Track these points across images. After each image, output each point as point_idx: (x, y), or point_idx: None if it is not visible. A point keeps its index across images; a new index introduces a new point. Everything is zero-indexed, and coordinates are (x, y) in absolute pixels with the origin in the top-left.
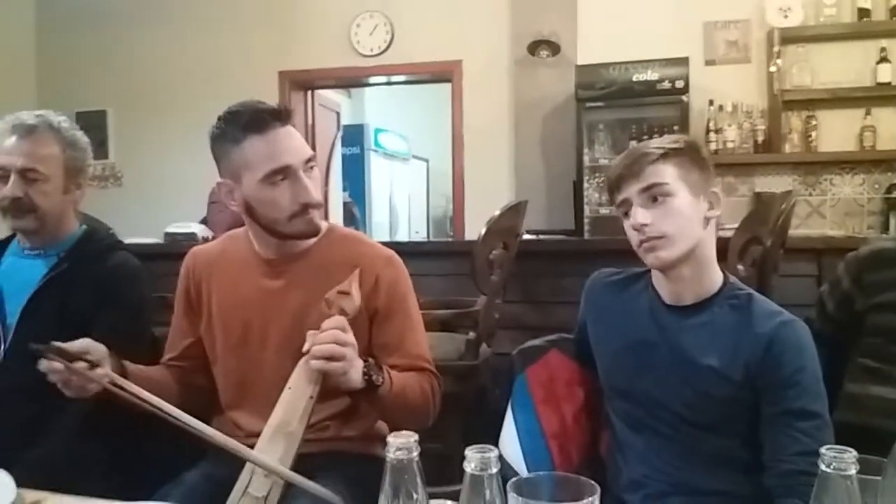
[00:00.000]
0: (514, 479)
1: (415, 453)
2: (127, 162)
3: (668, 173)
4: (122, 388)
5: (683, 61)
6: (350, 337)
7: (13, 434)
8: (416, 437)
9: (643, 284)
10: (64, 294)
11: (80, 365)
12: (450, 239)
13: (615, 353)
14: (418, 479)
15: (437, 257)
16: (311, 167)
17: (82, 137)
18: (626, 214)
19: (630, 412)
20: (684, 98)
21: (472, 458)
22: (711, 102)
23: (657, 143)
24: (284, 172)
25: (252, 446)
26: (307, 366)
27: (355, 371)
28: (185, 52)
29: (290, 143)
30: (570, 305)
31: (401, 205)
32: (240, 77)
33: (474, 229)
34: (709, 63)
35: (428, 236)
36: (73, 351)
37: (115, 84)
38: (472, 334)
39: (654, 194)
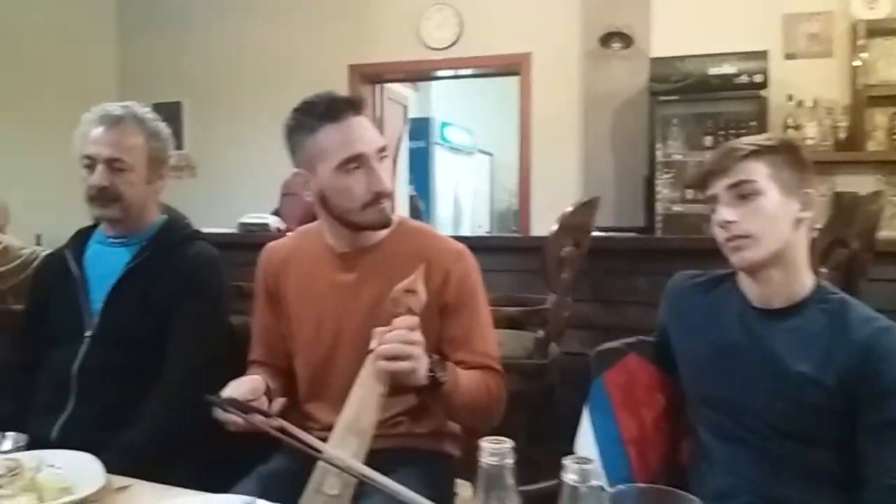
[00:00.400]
0: (612, 491)
1: (509, 460)
2: (201, 153)
3: (758, 171)
4: (287, 433)
5: (762, 55)
6: (418, 335)
7: (99, 419)
8: (510, 443)
9: (729, 286)
10: (146, 282)
11: (258, 418)
12: (514, 234)
13: (700, 358)
14: (511, 487)
15: (503, 253)
16: (383, 157)
17: (165, 128)
18: (714, 211)
19: (715, 420)
20: (762, 93)
21: (572, 468)
22: (791, 98)
23: (750, 140)
24: (358, 160)
25: (326, 439)
26: (376, 363)
27: (421, 368)
28: (258, 46)
29: (363, 131)
30: (642, 306)
31: (464, 199)
32: (311, 70)
33: (540, 225)
34: (789, 56)
35: (491, 231)
36: (248, 402)
37: (190, 76)
38: (541, 332)
39: (743, 192)
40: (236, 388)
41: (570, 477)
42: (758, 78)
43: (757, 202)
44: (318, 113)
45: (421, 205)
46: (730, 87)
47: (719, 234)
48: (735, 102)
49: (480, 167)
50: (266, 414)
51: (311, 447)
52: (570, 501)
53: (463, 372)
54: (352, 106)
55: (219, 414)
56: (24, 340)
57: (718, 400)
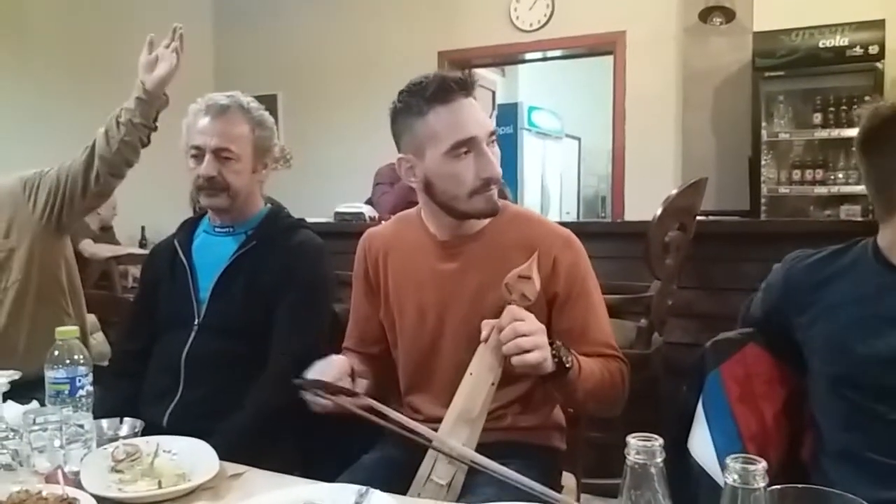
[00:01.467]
0: (772, 489)
1: (658, 458)
2: (295, 144)
3: None
4: (376, 412)
5: (879, 24)
6: (536, 322)
7: (206, 406)
8: (660, 441)
9: (855, 256)
10: (252, 271)
11: (344, 400)
12: (603, 219)
13: (830, 337)
14: (660, 489)
15: (600, 238)
16: (494, 141)
17: (269, 118)
18: None
19: (853, 404)
20: (879, 65)
21: (734, 468)
22: None
23: None
24: (469, 145)
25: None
26: (488, 352)
27: (548, 356)
28: (348, 36)
29: (475, 114)
30: (749, 294)
31: (552, 185)
32: (399, 58)
33: (634, 210)
34: None
35: (578, 217)
36: (335, 384)
37: (284, 69)
38: (643, 321)
39: None
40: (323, 370)
41: (731, 477)
42: (873, 49)
43: None
44: (429, 94)
45: (508, 193)
46: (842, 60)
47: None
48: (848, 77)
49: (568, 152)
50: (353, 394)
51: (401, 426)
52: (731, 503)
53: (585, 358)
54: (463, 87)
55: (306, 396)
56: (136, 329)
57: (855, 380)
